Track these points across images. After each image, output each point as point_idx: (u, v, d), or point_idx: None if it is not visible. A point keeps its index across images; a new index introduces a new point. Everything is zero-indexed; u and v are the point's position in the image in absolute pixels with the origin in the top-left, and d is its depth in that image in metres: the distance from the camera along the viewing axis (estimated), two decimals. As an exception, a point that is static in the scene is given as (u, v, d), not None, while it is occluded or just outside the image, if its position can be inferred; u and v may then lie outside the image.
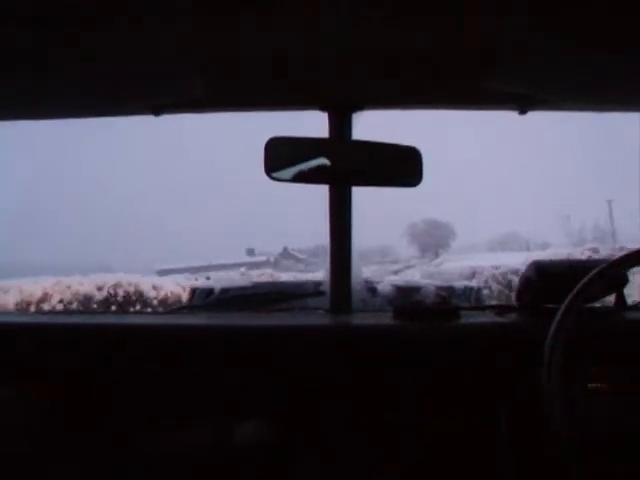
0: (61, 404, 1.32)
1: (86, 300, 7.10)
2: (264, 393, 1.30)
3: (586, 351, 1.20)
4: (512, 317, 1.39)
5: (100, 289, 7.29)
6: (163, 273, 9.05)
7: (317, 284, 1.72)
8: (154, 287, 7.57)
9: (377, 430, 1.29)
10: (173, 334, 1.36)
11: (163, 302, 7.29)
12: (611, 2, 1.03)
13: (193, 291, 3.39)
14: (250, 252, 11.64)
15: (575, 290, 1.10)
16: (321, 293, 1.59)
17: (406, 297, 2.07)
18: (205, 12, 1.06)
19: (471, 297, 2.95)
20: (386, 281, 2.40)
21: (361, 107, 1.47)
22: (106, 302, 7.19)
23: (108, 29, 1.11)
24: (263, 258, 11.36)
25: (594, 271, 1.10)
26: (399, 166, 1.42)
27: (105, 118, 1.56)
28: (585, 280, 1.10)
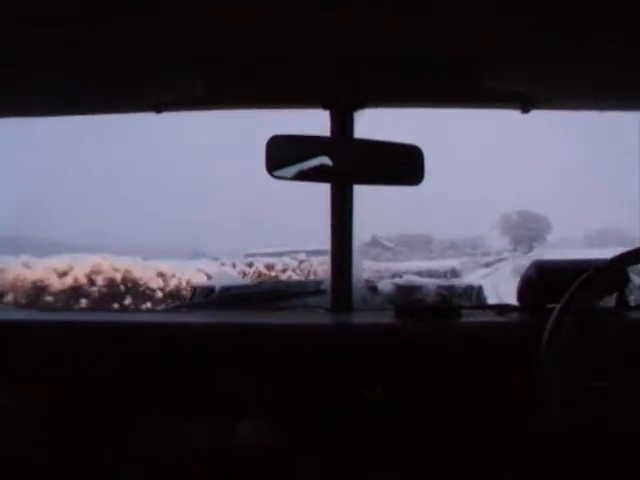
0: (59, 402, 1.32)
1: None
2: (264, 392, 1.30)
3: (587, 351, 1.19)
4: (513, 317, 1.39)
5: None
6: (251, 256, 9.08)
7: (318, 282, 1.72)
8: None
9: (377, 429, 1.29)
10: (174, 332, 1.36)
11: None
12: (612, 3, 1.03)
13: (194, 289, 3.39)
14: None
15: (571, 289, 1.10)
16: (322, 292, 1.59)
17: (407, 296, 2.06)
18: (206, 10, 1.06)
19: (472, 296, 2.94)
20: (387, 280, 2.39)
21: (363, 105, 1.47)
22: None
23: (110, 28, 1.11)
24: None
25: (591, 270, 1.10)
26: (401, 164, 1.42)
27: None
28: (581, 279, 1.10)
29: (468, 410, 1.28)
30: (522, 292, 1.42)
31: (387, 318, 1.38)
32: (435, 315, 1.37)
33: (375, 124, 1.52)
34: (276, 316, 1.53)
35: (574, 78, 1.33)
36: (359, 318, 1.47)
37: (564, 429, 1.04)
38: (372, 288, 2.11)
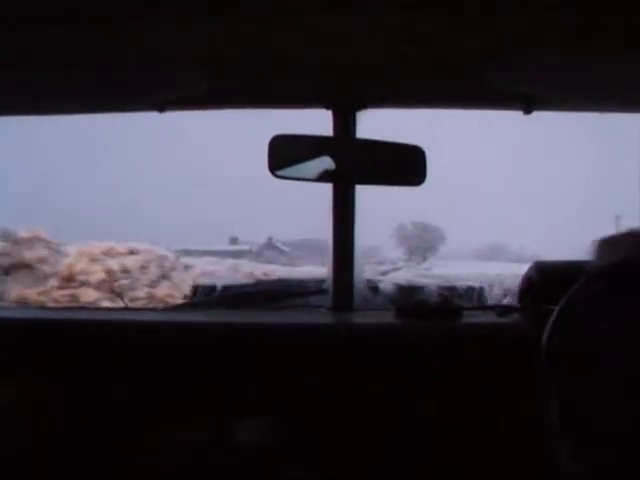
0: (59, 400, 1.33)
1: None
2: (265, 391, 1.30)
3: (586, 350, 1.19)
4: (514, 317, 1.39)
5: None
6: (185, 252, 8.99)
7: (319, 282, 1.72)
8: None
9: (378, 429, 1.29)
10: (175, 331, 1.36)
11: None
12: (612, 3, 1.03)
13: (195, 288, 3.38)
14: (233, 240, 11.33)
15: (571, 290, 1.10)
16: (323, 291, 1.59)
17: (408, 296, 2.07)
18: (208, 10, 1.06)
19: (473, 297, 2.94)
20: (388, 280, 2.40)
21: (365, 106, 1.47)
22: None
23: (112, 27, 1.11)
24: (246, 247, 11.08)
25: (591, 271, 1.10)
26: (403, 165, 1.42)
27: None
28: (582, 280, 1.10)
29: (469, 410, 1.29)
30: (523, 293, 1.42)
31: (388, 318, 1.39)
32: (436, 316, 1.37)
33: (377, 124, 1.52)
34: (277, 315, 1.53)
35: (576, 79, 1.33)
36: (360, 318, 1.47)
37: (560, 429, 1.04)
38: (373, 288, 2.11)
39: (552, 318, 1.09)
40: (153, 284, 7.11)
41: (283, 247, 11.30)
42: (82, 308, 2.67)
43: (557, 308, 1.10)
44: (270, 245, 11.35)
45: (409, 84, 1.40)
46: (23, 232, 6.79)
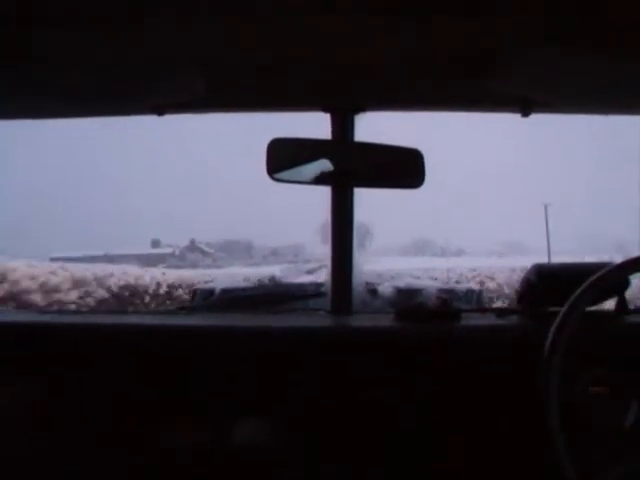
0: (60, 403, 1.32)
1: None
2: (264, 394, 1.30)
3: (587, 355, 1.19)
4: (513, 320, 1.39)
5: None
6: (55, 261, 8.74)
7: (318, 285, 1.72)
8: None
9: (377, 432, 1.29)
10: (174, 335, 1.36)
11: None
12: (613, 3, 1.03)
13: (194, 292, 3.39)
14: (155, 243, 11.01)
15: (576, 293, 1.10)
16: (322, 294, 1.59)
17: (407, 299, 2.06)
18: (207, 13, 1.06)
19: (472, 299, 2.94)
20: (387, 283, 2.39)
21: (363, 108, 1.47)
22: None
23: (110, 30, 1.11)
24: (168, 250, 10.81)
25: (596, 275, 1.10)
26: (401, 168, 1.42)
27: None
28: (587, 284, 1.10)
29: (468, 413, 1.28)
30: (522, 295, 1.42)
31: (387, 321, 1.38)
32: (435, 318, 1.37)
33: (376, 127, 1.52)
34: (276, 319, 1.53)
35: (574, 82, 1.33)
36: (359, 321, 1.47)
37: (562, 432, 1.04)
38: (372, 291, 2.11)
39: (556, 322, 1.09)
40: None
41: (206, 248, 11.05)
42: (80, 312, 2.67)
43: (562, 311, 1.10)
44: (193, 247, 11.06)
45: (407, 87, 1.40)
46: None
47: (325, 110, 1.47)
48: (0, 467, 1.29)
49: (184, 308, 2.12)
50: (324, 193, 1.46)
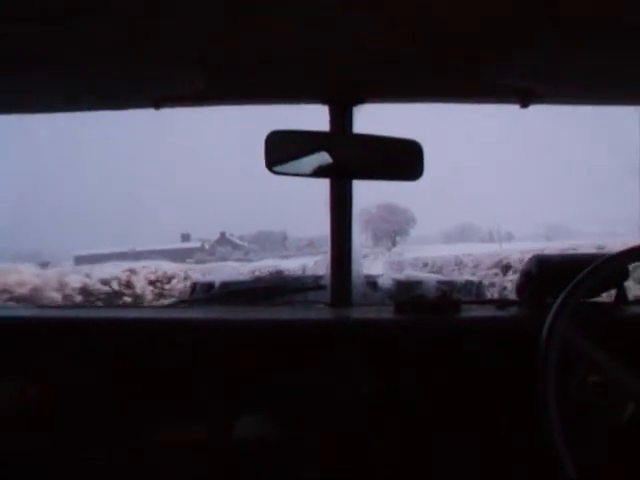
0: (58, 399, 1.32)
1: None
2: (264, 387, 1.30)
3: (585, 346, 1.20)
4: (513, 311, 1.39)
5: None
6: (82, 260, 8.45)
7: (318, 278, 1.72)
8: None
9: (377, 424, 1.29)
10: (173, 328, 1.36)
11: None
12: None
13: (194, 285, 3.40)
14: (185, 238, 10.64)
15: (572, 283, 1.10)
16: (321, 287, 1.59)
17: (407, 291, 2.07)
18: (205, 6, 1.05)
19: (472, 291, 2.94)
20: (386, 275, 2.40)
21: (362, 100, 1.47)
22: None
23: (108, 24, 1.10)
24: (197, 244, 10.45)
25: (593, 264, 1.10)
26: (400, 159, 1.42)
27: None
28: (584, 273, 1.10)
29: (468, 405, 1.29)
30: (522, 286, 1.42)
31: (387, 313, 1.39)
32: (435, 310, 1.37)
33: (374, 119, 1.51)
34: (276, 311, 1.53)
35: (575, 72, 1.32)
36: (359, 313, 1.47)
37: (558, 424, 1.05)
38: (372, 283, 2.12)
39: (551, 312, 1.09)
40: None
41: (239, 241, 10.75)
42: (79, 306, 2.67)
43: (557, 302, 1.10)
44: (223, 240, 10.72)
45: (405, 79, 1.39)
46: None
47: (324, 102, 1.46)
48: (0, 467, 1.30)
49: (184, 301, 2.13)
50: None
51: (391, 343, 1.30)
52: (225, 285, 2.69)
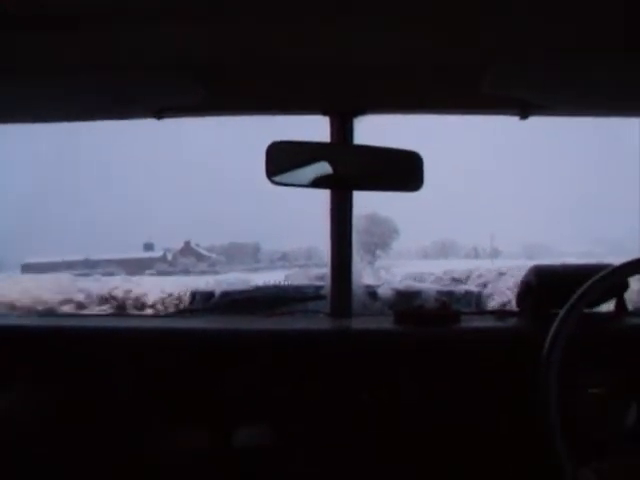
0: (61, 406, 1.32)
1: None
2: (264, 396, 1.30)
3: (586, 357, 1.20)
4: (512, 322, 1.39)
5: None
6: (28, 269, 8.04)
7: (318, 288, 1.72)
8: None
9: (377, 433, 1.29)
10: (174, 337, 1.36)
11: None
12: (611, 6, 1.03)
13: (194, 294, 3.38)
14: (148, 247, 10.16)
15: (576, 295, 1.10)
16: (321, 297, 1.59)
17: (407, 301, 2.06)
18: (207, 17, 1.06)
19: (472, 302, 2.94)
20: (385, 285, 2.39)
21: (363, 111, 1.47)
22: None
23: (111, 35, 1.11)
24: (159, 254, 9.92)
25: (596, 277, 1.10)
26: (400, 171, 1.42)
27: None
28: (586, 285, 1.10)
29: (467, 415, 1.28)
30: (521, 297, 1.42)
31: (386, 324, 1.39)
32: (435, 321, 1.37)
33: (375, 130, 1.52)
34: (276, 321, 1.53)
35: (574, 83, 1.33)
36: (358, 323, 1.47)
37: (560, 432, 1.04)
38: (372, 293, 2.11)
39: (554, 326, 1.09)
40: None
41: (205, 252, 10.23)
42: (80, 315, 2.66)
43: (559, 315, 1.10)
44: (187, 250, 10.11)
45: (406, 90, 1.40)
46: None
47: (324, 113, 1.47)
48: (2, 468, 1.29)
49: (184, 310, 2.12)
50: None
51: (391, 353, 1.30)
52: (225, 294, 2.68)
